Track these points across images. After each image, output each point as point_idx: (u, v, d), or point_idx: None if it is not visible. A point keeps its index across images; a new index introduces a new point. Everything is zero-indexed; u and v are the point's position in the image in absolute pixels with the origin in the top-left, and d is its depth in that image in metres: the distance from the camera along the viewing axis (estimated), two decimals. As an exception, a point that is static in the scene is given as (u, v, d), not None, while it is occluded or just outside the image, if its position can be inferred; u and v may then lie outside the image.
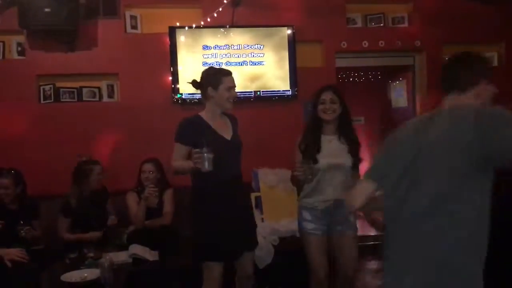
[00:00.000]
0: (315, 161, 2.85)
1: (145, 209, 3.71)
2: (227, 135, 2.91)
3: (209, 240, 2.80)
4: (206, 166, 2.60)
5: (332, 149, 2.93)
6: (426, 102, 5.38)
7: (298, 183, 2.99)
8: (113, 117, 4.66)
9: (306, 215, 2.99)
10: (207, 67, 3.06)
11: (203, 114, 2.92)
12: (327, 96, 2.94)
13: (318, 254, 2.97)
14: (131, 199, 3.85)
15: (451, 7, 5.23)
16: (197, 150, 2.61)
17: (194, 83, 2.95)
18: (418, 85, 5.52)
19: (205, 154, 2.59)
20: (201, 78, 2.94)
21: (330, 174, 2.89)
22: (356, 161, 2.98)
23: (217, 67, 3.01)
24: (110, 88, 4.81)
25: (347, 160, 2.93)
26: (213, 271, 2.83)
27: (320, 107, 2.94)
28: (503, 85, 5.68)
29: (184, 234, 3.80)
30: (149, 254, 3.51)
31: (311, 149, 2.91)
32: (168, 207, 3.92)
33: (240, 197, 2.95)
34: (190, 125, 2.87)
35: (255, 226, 3.08)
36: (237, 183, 2.94)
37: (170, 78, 4.70)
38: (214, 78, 2.85)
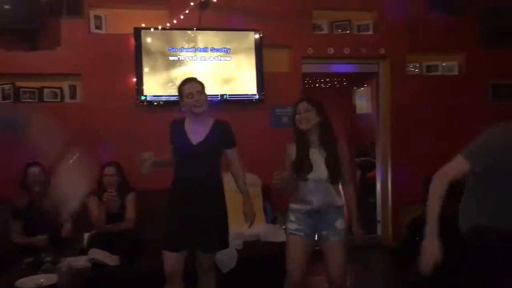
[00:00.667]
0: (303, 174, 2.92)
1: (105, 213, 3.65)
2: (197, 139, 3.02)
3: (165, 230, 3.02)
4: (143, 169, 2.92)
5: (314, 162, 2.95)
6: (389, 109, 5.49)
7: (280, 192, 3.00)
8: (75, 119, 4.55)
9: (291, 216, 3.04)
10: None
11: (187, 118, 3.12)
12: (302, 106, 2.95)
13: (295, 255, 2.95)
14: (92, 202, 3.76)
15: (415, 16, 5.36)
16: (141, 154, 2.92)
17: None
18: (382, 92, 5.62)
19: (143, 159, 2.90)
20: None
21: (314, 186, 2.95)
22: (334, 173, 2.95)
23: (185, 78, 3.14)
24: (73, 89, 4.70)
25: (321, 174, 2.93)
26: (165, 259, 2.98)
27: (296, 117, 2.97)
28: (463, 94, 5.90)
29: (146, 237, 3.76)
30: (110, 259, 3.43)
31: (300, 164, 2.93)
32: (130, 211, 3.86)
33: (201, 198, 2.99)
34: (173, 125, 3.12)
35: (217, 229, 3.08)
36: (199, 184, 3.00)
37: (135, 79, 4.63)
38: (179, 90, 3.07)
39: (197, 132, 3.04)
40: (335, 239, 2.98)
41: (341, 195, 3.11)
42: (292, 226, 3.00)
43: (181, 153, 3.04)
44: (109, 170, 3.85)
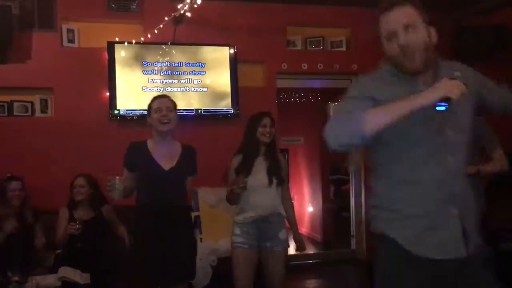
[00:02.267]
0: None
1: (66, 237, 3.54)
2: (167, 165, 2.84)
3: (134, 268, 2.82)
4: (115, 194, 2.71)
5: (259, 170, 3.12)
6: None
7: (234, 202, 3.14)
8: (46, 133, 4.46)
9: (236, 229, 3.11)
10: None
11: (150, 141, 2.91)
12: (267, 121, 3.19)
13: (243, 268, 3.04)
14: (61, 216, 3.69)
15: (386, 33, 5.47)
16: (109, 178, 2.69)
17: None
18: (355, 107, 5.68)
19: (116, 183, 2.68)
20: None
21: (256, 194, 3.05)
22: (278, 180, 3.15)
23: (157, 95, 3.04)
24: (44, 103, 4.61)
25: (269, 182, 3.11)
26: None
27: (261, 130, 3.17)
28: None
29: (119, 255, 3.68)
30: (80, 277, 3.34)
31: (244, 171, 3.10)
32: (118, 223, 3.81)
33: (173, 227, 2.81)
34: (132, 150, 2.88)
35: (187, 258, 2.91)
36: (171, 212, 2.81)
37: (108, 94, 4.58)
38: (148, 106, 2.93)
39: (165, 156, 2.85)
40: (279, 250, 3.11)
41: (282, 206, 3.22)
42: (237, 239, 3.08)
43: (150, 180, 2.79)
44: (78, 181, 3.77)
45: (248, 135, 3.21)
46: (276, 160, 3.19)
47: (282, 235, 3.12)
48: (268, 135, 3.16)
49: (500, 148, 3.18)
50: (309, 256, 5.93)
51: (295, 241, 3.28)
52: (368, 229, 5.50)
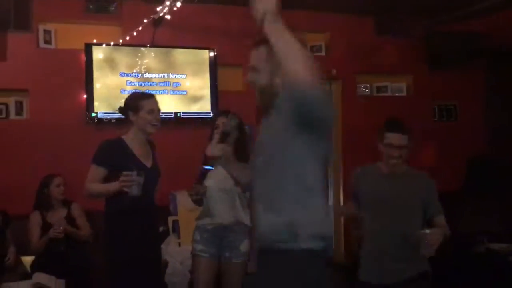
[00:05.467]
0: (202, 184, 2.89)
1: (45, 242, 3.53)
2: (148, 162, 2.84)
3: (120, 267, 2.70)
4: (135, 190, 2.55)
5: (221, 173, 2.89)
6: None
7: (198, 204, 3.04)
8: (21, 136, 4.37)
9: (197, 235, 3.00)
10: (131, 93, 2.99)
11: (126, 137, 2.82)
12: (220, 120, 2.97)
13: (204, 278, 2.94)
14: (34, 221, 3.63)
15: (365, 39, 5.54)
16: (127, 172, 2.55)
17: (119, 109, 2.91)
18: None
19: (136, 177, 2.54)
20: (124, 103, 2.89)
21: (219, 198, 2.92)
22: (244, 185, 2.92)
23: (141, 91, 2.94)
24: (19, 105, 4.52)
25: (232, 186, 2.88)
26: None
27: (215, 131, 2.94)
28: (411, 114, 6.07)
29: (94, 260, 3.63)
30: (55, 283, 3.28)
31: (204, 174, 2.94)
32: (83, 223, 3.77)
33: (149, 227, 2.83)
34: (111, 148, 2.78)
35: (159, 257, 2.96)
36: (149, 210, 2.82)
37: (85, 96, 4.51)
38: (135, 102, 2.80)
39: (144, 154, 2.84)
40: (238, 262, 2.98)
41: (248, 213, 3.02)
42: (197, 246, 2.97)
43: None
44: (58, 180, 3.78)
45: (209, 138, 3.00)
46: (244, 163, 2.99)
47: (243, 247, 2.98)
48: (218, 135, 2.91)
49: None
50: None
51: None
52: (346, 231, 5.54)
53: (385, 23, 5.55)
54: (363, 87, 5.76)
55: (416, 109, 5.72)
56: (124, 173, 2.56)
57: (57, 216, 3.67)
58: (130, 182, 2.54)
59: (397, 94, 5.85)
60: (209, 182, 2.88)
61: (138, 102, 2.80)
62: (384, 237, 2.56)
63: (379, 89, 5.83)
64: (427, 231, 2.32)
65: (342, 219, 5.61)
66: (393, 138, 2.68)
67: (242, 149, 2.98)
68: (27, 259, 3.68)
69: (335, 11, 5.35)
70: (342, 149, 5.60)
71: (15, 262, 3.67)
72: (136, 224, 2.71)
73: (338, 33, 5.52)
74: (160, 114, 2.89)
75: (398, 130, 2.68)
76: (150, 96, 2.87)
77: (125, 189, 2.56)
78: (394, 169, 2.69)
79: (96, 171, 2.73)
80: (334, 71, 5.50)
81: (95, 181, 2.72)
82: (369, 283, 2.58)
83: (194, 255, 2.97)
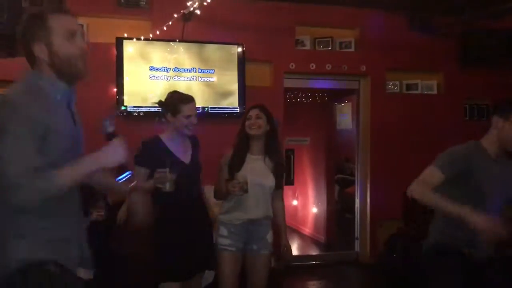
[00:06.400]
0: (234, 177, 2.88)
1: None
2: (186, 158, 2.92)
3: (165, 262, 2.81)
4: (168, 186, 2.66)
5: (255, 168, 2.97)
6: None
7: (223, 198, 3.01)
8: (53, 127, 4.47)
9: (223, 231, 2.98)
10: (172, 91, 3.02)
11: (163, 136, 2.91)
12: (253, 112, 3.01)
13: (230, 273, 2.94)
14: None
15: (395, 35, 5.45)
16: (160, 170, 2.66)
17: (159, 103, 2.97)
18: (363, 108, 5.67)
19: (168, 175, 2.64)
20: (165, 101, 2.95)
21: (250, 192, 2.87)
22: (279, 182, 3.03)
23: (181, 92, 2.99)
24: (51, 97, 4.61)
25: (268, 181, 2.98)
26: None
27: (247, 123, 3.00)
28: (441, 113, 5.98)
29: (121, 253, 3.70)
30: (83, 273, 3.33)
31: (234, 166, 2.96)
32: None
33: (198, 220, 2.91)
34: (149, 147, 2.86)
35: (210, 248, 2.99)
36: (195, 206, 2.93)
37: (115, 89, 4.58)
38: (175, 105, 2.86)
39: (181, 150, 2.91)
40: (266, 253, 3.01)
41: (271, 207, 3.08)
42: (223, 241, 2.96)
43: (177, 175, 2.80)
44: None
45: (239, 130, 3.07)
46: (276, 158, 3.03)
47: (269, 237, 3.01)
48: (254, 127, 2.95)
49: None
50: (312, 257, 5.91)
51: (283, 246, 3.07)
52: (372, 231, 5.49)
53: (418, 19, 5.45)
54: (392, 85, 5.67)
55: (446, 108, 5.61)
56: (158, 170, 2.67)
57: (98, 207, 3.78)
58: (163, 179, 2.64)
59: (427, 92, 5.74)
60: (246, 177, 2.84)
61: (178, 106, 2.84)
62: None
63: (408, 86, 5.73)
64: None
65: (368, 220, 5.56)
66: None
67: (272, 142, 3.05)
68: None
69: (368, 7, 5.28)
70: (371, 145, 5.54)
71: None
72: (178, 220, 2.81)
73: (369, 29, 5.44)
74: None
75: None
76: (190, 101, 2.90)
77: (159, 185, 2.66)
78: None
79: (139, 171, 2.82)
80: (363, 68, 5.44)
81: (140, 180, 2.81)
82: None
83: (220, 250, 2.95)
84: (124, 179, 1.72)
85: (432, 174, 2.45)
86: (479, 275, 2.47)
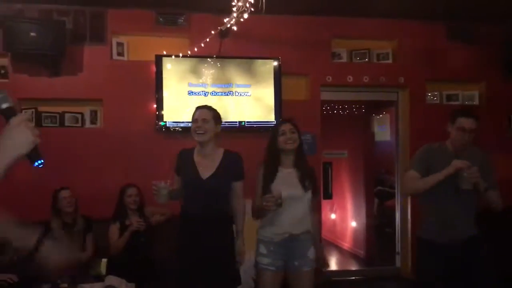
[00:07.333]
0: (269, 192, 2.85)
1: (126, 240, 3.75)
2: (206, 173, 2.92)
3: (177, 272, 2.92)
4: (159, 199, 2.77)
5: (290, 181, 2.96)
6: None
7: (260, 215, 2.99)
8: (95, 144, 4.60)
9: (262, 249, 2.96)
10: None
11: (195, 149, 3.02)
12: (286, 127, 3.02)
13: None
14: (113, 231, 3.84)
15: (434, 45, 5.35)
16: (155, 182, 2.77)
17: None
18: (401, 120, 5.58)
19: (160, 187, 2.74)
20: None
21: (287, 206, 2.84)
22: (314, 193, 3.04)
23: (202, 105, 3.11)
24: (93, 114, 4.76)
25: (303, 192, 2.96)
26: None
27: (281, 138, 2.99)
28: (483, 124, 5.80)
29: (162, 266, 3.74)
30: (125, 286, 3.40)
31: (267, 180, 2.96)
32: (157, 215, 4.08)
33: (211, 235, 2.88)
34: (181, 157, 3.02)
35: (227, 267, 2.95)
36: (209, 221, 2.89)
37: (155, 105, 4.68)
38: (192, 114, 3.02)
39: (206, 165, 2.94)
40: (308, 270, 2.96)
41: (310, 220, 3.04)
42: (263, 260, 2.93)
43: (189, 188, 2.92)
44: (132, 190, 3.97)
45: (268, 145, 3.08)
46: (308, 170, 3.03)
47: (311, 253, 2.97)
48: (290, 141, 2.97)
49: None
50: (352, 273, 5.81)
51: (318, 258, 3.04)
52: (414, 246, 5.34)
53: (457, 28, 5.34)
54: (432, 95, 5.55)
55: (489, 119, 5.43)
56: (153, 182, 2.78)
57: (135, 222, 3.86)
58: (155, 191, 2.76)
59: (467, 103, 5.58)
60: (280, 190, 2.81)
61: (193, 113, 3.00)
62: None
63: (449, 97, 5.60)
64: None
65: (409, 234, 5.42)
66: (465, 122, 3.05)
67: (302, 155, 3.07)
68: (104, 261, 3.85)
69: (405, 17, 5.21)
70: (410, 157, 5.41)
71: (92, 262, 3.88)
72: (187, 232, 2.89)
73: (406, 40, 5.36)
74: (220, 121, 3.09)
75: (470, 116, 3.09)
76: (200, 107, 3.03)
77: (154, 197, 2.78)
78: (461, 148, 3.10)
79: (177, 179, 2.98)
80: (401, 79, 5.36)
81: (174, 185, 2.96)
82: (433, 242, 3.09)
83: (260, 269, 2.93)
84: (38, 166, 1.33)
85: (410, 174, 3.13)
86: (462, 256, 2.98)
